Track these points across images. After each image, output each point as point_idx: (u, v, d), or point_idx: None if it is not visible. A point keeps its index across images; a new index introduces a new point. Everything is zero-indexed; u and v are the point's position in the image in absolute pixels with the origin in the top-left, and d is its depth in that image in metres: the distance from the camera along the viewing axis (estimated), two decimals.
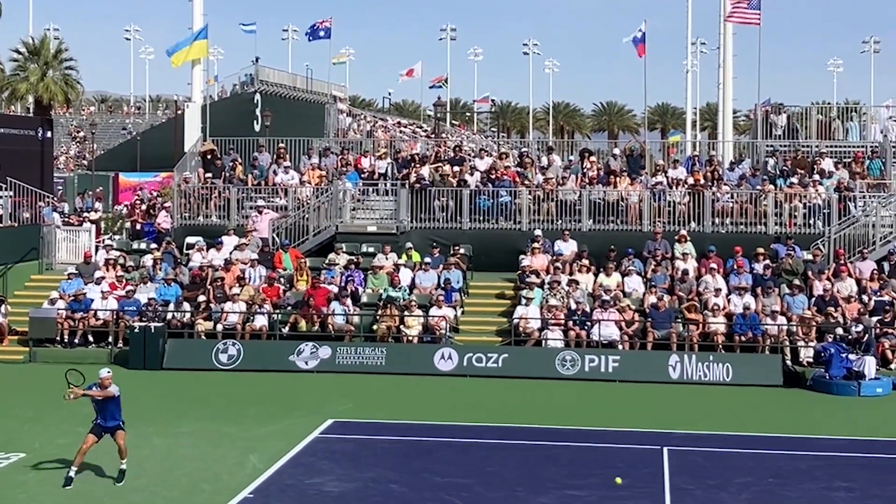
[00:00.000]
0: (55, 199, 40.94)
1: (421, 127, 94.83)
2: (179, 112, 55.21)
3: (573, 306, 30.51)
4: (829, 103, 46.82)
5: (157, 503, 17.30)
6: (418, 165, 36.53)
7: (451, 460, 20.29)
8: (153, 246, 35.02)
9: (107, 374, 18.36)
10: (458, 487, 18.27)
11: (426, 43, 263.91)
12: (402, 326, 30.43)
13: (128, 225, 41.66)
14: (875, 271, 31.49)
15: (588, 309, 30.49)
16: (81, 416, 20.39)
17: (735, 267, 31.57)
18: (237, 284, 31.57)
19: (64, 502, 17.28)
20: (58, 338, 30.67)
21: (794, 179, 34.82)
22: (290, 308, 31.18)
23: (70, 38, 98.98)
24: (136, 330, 29.64)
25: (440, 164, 36.72)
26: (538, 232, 33.84)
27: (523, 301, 30.80)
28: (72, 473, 18.06)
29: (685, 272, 31.63)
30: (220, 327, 30.57)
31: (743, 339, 29.37)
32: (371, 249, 34.10)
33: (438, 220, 35.08)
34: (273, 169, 36.62)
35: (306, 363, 29.35)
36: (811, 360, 28.75)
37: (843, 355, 27.40)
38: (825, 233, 33.20)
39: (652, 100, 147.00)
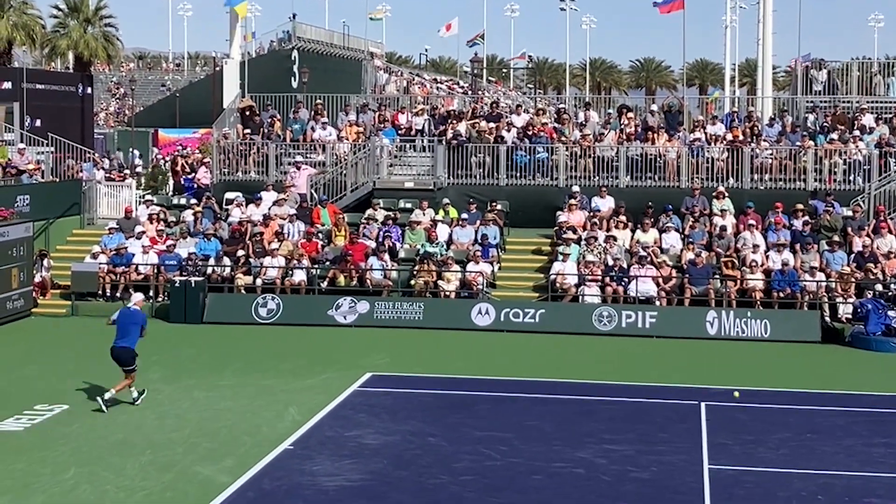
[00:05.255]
0: (98, 154, 41.17)
1: (458, 83, 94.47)
2: (218, 69, 55.30)
3: (610, 262, 30.48)
4: (869, 59, 46.19)
5: (199, 454, 17.53)
6: (455, 122, 36.51)
7: (488, 414, 20.42)
8: (193, 201, 35.28)
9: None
10: (496, 441, 18.41)
11: None
12: (439, 282, 30.52)
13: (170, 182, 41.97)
14: None
15: (625, 265, 30.47)
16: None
17: (773, 223, 31.43)
18: (276, 239, 31.76)
19: (106, 454, 17.53)
20: (99, 291, 30.99)
21: (834, 135, 34.55)
22: (328, 263, 31.34)
23: None
24: (177, 284, 29.88)
25: (477, 120, 36.70)
26: (576, 188, 33.78)
27: (560, 257, 30.81)
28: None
29: (723, 228, 31.53)
30: (259, 282, 30.79)
31: (781, 295, 29.27)
32: (408, 205, 34.15)
33: (475, 176, 35.07)
34: (311, 125, 36.73)
35: (345, 318, 29.52)
36: (850, 316, 28.63)
37: (881, 311, 27.30)
38: (865, 189, 32.97)
39: (690, 56, 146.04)
